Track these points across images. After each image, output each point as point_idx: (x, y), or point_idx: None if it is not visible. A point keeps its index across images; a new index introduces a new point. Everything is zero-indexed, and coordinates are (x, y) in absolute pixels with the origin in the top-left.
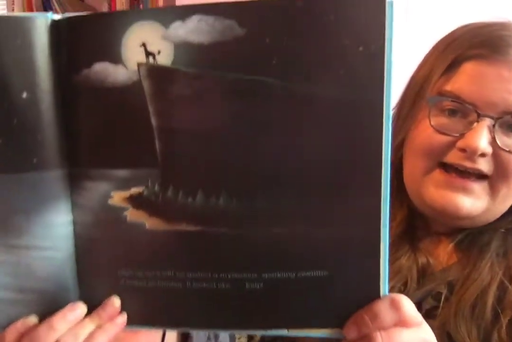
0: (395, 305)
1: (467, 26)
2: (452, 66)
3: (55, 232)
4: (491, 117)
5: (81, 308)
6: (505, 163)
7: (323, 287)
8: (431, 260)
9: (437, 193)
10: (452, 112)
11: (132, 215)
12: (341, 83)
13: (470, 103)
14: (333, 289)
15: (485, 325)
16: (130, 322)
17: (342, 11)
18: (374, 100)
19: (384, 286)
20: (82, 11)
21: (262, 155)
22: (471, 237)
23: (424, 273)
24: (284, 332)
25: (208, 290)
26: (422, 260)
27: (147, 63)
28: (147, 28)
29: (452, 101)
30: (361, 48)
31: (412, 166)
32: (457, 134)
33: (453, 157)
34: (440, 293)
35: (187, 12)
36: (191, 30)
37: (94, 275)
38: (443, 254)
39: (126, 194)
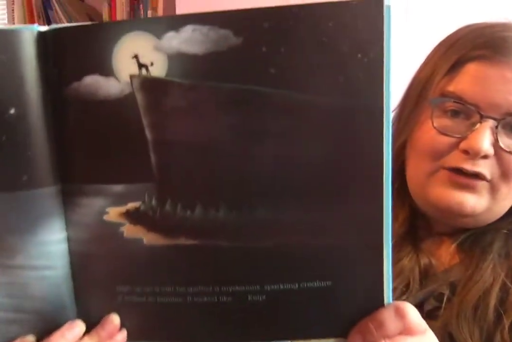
0: (400, 313)
1: (469, 27)
2: (455, 67)
3: (49, 250)
4: (494, 119)
5: (79, 326)
6: (506, 164)
7: (326, 296)
8: (433, 261)
9: (444, 192)
10: (455, 114)
11: (129, 230)
12: (340, 91)
13: (473, 105)
14: (336, 299)
15: (488, 326)
16: (130, 337)
17: (340, 18)
18: (373, 108)
19: (388, 293)
20: (82, 11)
21: (260, 166)
22: (473, 237)
23: (426, 274)
24: None
25: (209, 304)
26: (424, 261)
27: (140, 75)
28: (139, 39)
29: (454, 102)
30: (359, 55)
31: (416, 168)
32: (460, 136)
33: (455, 159)
34: (442, 294)
35: (180, 22)
36: (185, 40)
37: (91, 292)
38: (445, 254)
39: (122, 209)
